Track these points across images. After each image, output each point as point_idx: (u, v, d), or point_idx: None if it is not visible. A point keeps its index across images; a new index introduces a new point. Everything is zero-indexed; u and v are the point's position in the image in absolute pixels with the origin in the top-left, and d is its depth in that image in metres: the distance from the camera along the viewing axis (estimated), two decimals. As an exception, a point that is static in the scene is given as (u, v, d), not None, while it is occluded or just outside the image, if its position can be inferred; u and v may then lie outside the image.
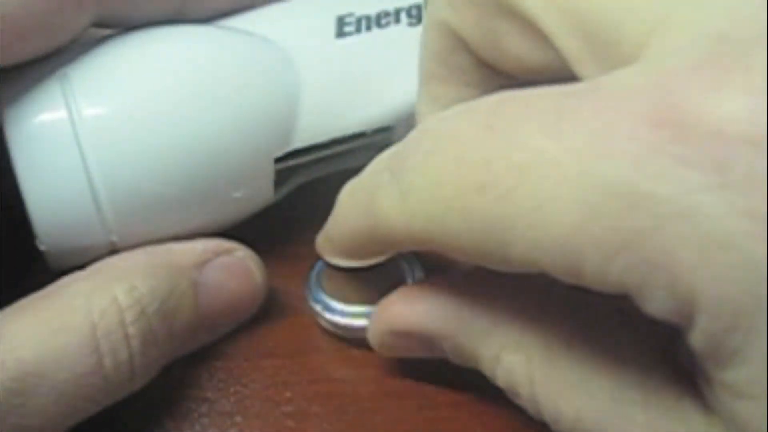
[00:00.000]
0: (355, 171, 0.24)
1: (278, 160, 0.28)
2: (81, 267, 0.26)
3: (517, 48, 0.23)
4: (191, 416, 0.26)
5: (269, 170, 0.28)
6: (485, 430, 0.26)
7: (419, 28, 0.30)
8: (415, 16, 0.31)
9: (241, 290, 0.27)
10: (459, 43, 0.25)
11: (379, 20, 0.31)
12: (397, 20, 0.31)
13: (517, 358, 0.22)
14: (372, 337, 0.26)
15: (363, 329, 0.26)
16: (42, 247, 0.26)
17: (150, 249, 0.26)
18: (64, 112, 0.25)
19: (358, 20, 0.30)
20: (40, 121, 0.25)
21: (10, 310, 0.23)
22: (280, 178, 0.29)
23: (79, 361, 0.22)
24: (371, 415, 0.27)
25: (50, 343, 0.22)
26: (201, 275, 0.26)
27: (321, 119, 0.29)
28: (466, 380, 0.25)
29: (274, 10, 0.30)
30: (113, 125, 0.25)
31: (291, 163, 0.29)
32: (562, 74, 0.21)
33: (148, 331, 0.24)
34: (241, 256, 0.27)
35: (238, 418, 0.26)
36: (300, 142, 0.28)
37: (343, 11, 0.30)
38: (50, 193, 0.25)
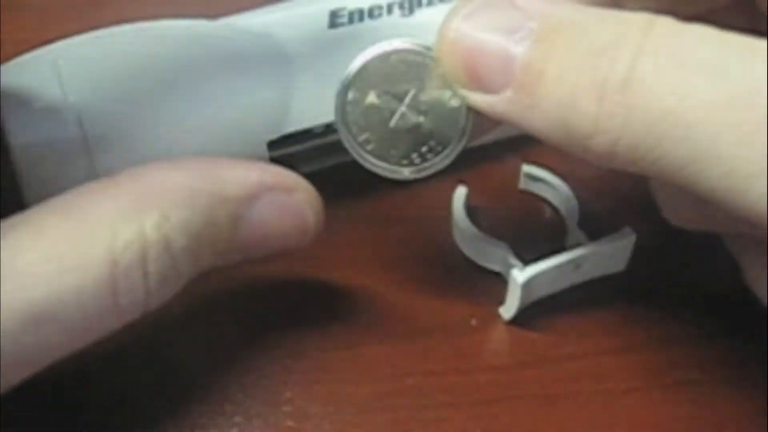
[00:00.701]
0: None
1: (273, 147, 0.29)
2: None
3: None
4: (191, 416, 0.26)
5: (263, 156, 0.29)
6: (485, 430, 0.26)
7: (411, 18, 0.31)
8: (407, 8, 0.32)
9: (287, 234, 0.25)
10: None
11: (371, 12, 0.32)
12: (390, 12, 0.32)
13: None
14: None
15: None
16: None
17: (197, 166, 0.23)
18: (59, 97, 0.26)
19: (351, 13, 0.31)
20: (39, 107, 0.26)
21: (25, 233, 0.21)
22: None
23: (94, 302, 0.21)
24: (371, 415, 0.26)
25: (65, 283, 0.20)
26: (246, 210, 0.23)
27: (313, 104, 0.29)
28: (466, 380, 0.25)
29: (271, 7, 0.32)
30: (108, 111, 0.26)
31: (286, 150, 0.30)
32: None
33: (169, 268, 0.22)
34: (298, 199, 0.24)
35: (238, 418, 0.26)
36: (293, 126, 0.29)
37: (336, 6, 0.31)
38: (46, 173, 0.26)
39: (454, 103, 0.23)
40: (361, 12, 0.31)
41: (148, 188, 0.22)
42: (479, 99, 0.22)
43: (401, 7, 0.32)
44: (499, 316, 0.28)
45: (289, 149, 0.30)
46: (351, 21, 0.31)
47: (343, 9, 0.31)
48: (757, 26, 0.21)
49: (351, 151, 0.24)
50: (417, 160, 0.24)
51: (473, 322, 0.28)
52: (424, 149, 0.24)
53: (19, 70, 0.26)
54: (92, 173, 0.26)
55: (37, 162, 0.26)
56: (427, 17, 0.32)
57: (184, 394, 0.27)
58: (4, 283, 0.20)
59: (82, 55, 0.27)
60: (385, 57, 0.23)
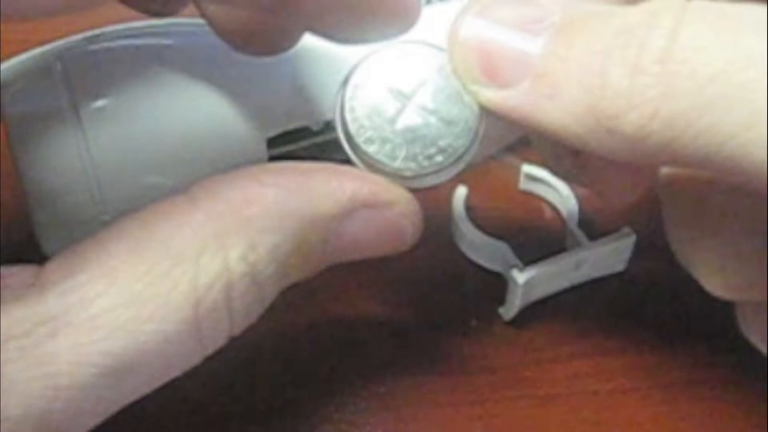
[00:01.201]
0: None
1: (272, 144, 0.29)
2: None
3: None
4: (191, 417, 0.26)
5: (262, 153, 0.29)
6: (485, 430, 0.26)
7: (427, 9, 0.31)
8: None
9: (380, 248, 0.23)
10: None
11: None
12: None
13: None
14: None
15: None
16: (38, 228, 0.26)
17: (285, 179, 0.21)
18: (64, 101, 0.26)
19: None
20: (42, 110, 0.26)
21: (97, 273, 0.19)
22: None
23: (176, 347, 0.19)
24: (371, 415, 0.26)
25: (146, 332, 0.18)
26: (339, 227, 0.21)
27: (313, 101, 0.29)
28: (466, 380, 0.25)
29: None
30: (107, 110, 0.26)
31: (285, 149, 0.30)
32: None
33: (255, 298, 0.20)
34: (397, 213, 0.22)
35: (239, 419, 0.26)
36: (292, 123, 0.29)
37: None
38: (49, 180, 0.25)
39: (466, 102, 0.21)
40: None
41: (232, 210, 0.20)
42: (492, 94, 0.20)
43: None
44: (499, 316, 0.28)
45: (289, 147, 0.30)
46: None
47: None
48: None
49: (350, 153, 0.22)
50: (424, 167, 0.22)
51: (473, 322, 0.28)
52: (431, 151, 0.22)
53: (19, 70, 0.26)
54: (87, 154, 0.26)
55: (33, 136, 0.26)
56: (429, 14, 0.32)
57: (184, 395, 0.26)
58: (79, 335, 0.18)
59: (82, 52, 0.27)
60: (390, 51, 0.22)
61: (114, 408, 0.19)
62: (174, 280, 0.19)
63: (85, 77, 0.26)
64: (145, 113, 0.26)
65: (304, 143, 0.30)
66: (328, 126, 0.29)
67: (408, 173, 0.22)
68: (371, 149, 0.22)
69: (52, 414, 0.17)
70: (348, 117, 0.22)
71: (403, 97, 0.22)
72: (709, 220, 0.22)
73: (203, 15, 0.24)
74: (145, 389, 0.19)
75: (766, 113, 0.16)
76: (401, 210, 0.22)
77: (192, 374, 0.27)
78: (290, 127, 0.29)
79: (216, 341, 0.20)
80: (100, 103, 0.26)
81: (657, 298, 0.29)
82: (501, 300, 0.28)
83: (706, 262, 0.23)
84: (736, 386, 0.27)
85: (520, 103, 0.20)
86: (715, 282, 0.23)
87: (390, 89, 0.22)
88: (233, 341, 0.28)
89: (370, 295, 0.29)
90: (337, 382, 0.27)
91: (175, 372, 0.20)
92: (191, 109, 0.27)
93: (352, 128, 0.22)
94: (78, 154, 0.25)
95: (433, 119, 0.22)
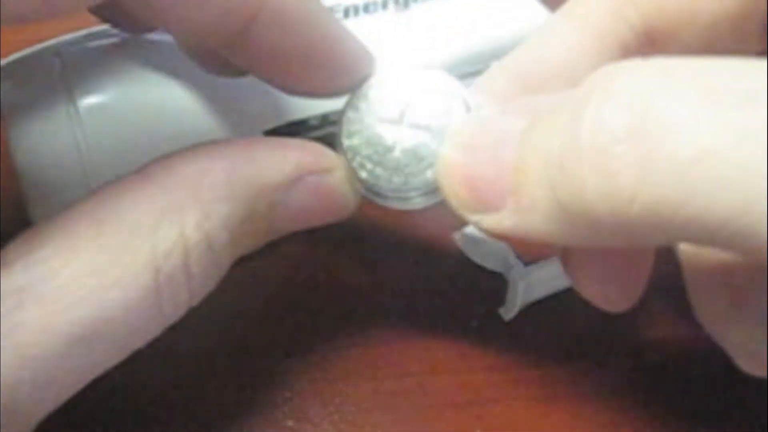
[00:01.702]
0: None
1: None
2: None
3: None
4: (191, 416, 0.26)
5: None
6: (485, 430, 0.26)
7: (406, 13, 0.31)
8: (402, 3, 0.32)
9: (325, 214, 0.23)
10: None
11: (366, 7, 0.31)
12: (385, 7, 0.32)
13: None
14: None
15: None
16: None
17: (233, 152, 0.22)
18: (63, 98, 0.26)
19: (346, 8, 0.31)
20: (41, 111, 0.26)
21: (61, 247, 0.19)
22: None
23: (139, 314, 0.19)
24: (371, 415, 0.26)
25: (110, 299, 0.19)
26: (284, 196, 0.22)
27: None
28: (466, 380, 0.25)
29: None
30: (105, 107, 0.26)
31: None
32: None
33: (212, 265, 0.21)
34: (338, 179, 0.23)
35: (239, 418, 0.26)
36: (289, 116, 0.29)
37: (332, 1, 0.31)
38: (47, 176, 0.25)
39: (458, 114, 0.22)
40: (356, 7, 0.31)
41: (185, 183, 0.21)
42: (491, 220, 0.20)
43: (396, 2, 0.32)
44: (499, 316, 0.28)
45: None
46: (346, 15, 0.31)
47: (338, 4, 0.31)
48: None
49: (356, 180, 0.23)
50: (425, 186, 0.22)
51: (473, 322, 0.28)
52: (429, 174, 0.22)
53: (18, 67, 0.26)
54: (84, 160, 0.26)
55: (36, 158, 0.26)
56: (422, 12, 0.32)
57: (184, 394, 0.27)
58: (45, 305, 0.18)
59: (80, 49, 0.27)
60: (381, 82, 0.23)
61: (82, 380, 0.19)
62: (134, 250, 0.19)
63: (83, 74, 0.26)
64: (142, 109, 0.26)
65: (301, 137, 0.30)
66: (326, 120, 0.29)
67: (415, 199, 0.22)
68: (365, 176, 0.22)
69: (21, 384, 0.18)
70: (347, 146, 0.23)
71: (396, 122, 0.22)
72: (737, 296, 0.21)
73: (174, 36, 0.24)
74: (112, 360, 0.20)
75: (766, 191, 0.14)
76: (341, 175, 0.23)
77: (191, 370, 0.27)
78: (287, 120, 0.29)
79: (177, 309, 0.21)
80: (98, 99, 0.26)
81: (657, 298, 0.29)
82: (501, 300, 0.28)
83: (738, 340, 0.22)
84: (737, 386, 0.27)
85: (513, 222, 0.19)
86: (748, 363, 0.22)
87: (381, 119, 0.22)
88: (233, 340, 0.28)
89: (370, 295, 0.29)
90: (336, 382, 0.27)
91: (139, 342, 0.20)
92: (188, 104, 0.27)
93: (349, 155, 0.23)
94: (76, 151, 0.25)
95: (427, 135, 0.22)
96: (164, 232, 0.20)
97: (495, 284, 0.29)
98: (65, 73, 0.26)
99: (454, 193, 0.21)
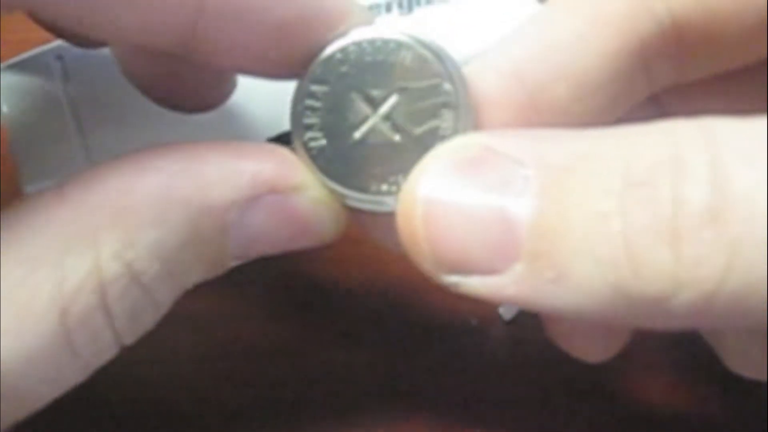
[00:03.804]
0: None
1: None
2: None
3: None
4: (191, 416, 0.26)
5: None
6: (485, 430, 0.26)
7: (410, 17, 0.31)
8: (406, 6, 0.32)
9: (293, 242, 0.19)
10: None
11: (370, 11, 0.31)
12: (389, 10, 0.32)
13: None
14: None
15: None
16: None
17: (171, 166, 0.17)
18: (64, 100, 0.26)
19: None
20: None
21: None
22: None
23: (46, 363, 0.16)
24: (371, 415, 0.26)
25: (7, 348, 0.16)
26: (239, 217, 0.18)
27: None
28: (465, 381, 0.25)
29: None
30: (106, 109, 0.26)
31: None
32: None
33: (141, 301, 0.17)
34: (308, 199, 0.18)
35: (238, 418, 0.26)
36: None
37: None
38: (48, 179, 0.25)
39: (444, 128, 0.18)
40: (360, 10, 0.31)
41: (106, 202, 0.17)
42: (478, 285, 0.16)
43: (400, 5, 0.32)
44: (499, 316, 0.28)
45: (290, 147, 0.30)
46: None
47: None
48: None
49: (306, 163, 0.19)
50: (389, 189, 0.18)
51: (473, 322, 0.28)
52: (397, 179, 0.18)
53: (19, 69, 0.26)
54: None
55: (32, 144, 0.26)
56: (427, 15, 0.32)
57: (184, 393, 0.27)
58: None
59: (81, 51, 0.27)
60: (362, 44, 0.19)
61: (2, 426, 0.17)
62: (33, 287, 0.16)
63: (84, 76, 0.26)
64: (143, 113, 0.26)
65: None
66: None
67: (381, 198, 0.19)
68: (321, 163, 0.19)
69: None
70: (303, 123, 0.19)
71: (370, 104, 0.19)
72: None
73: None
74: (19, 413, 0.17)
75: None
76: (315, 195, 0.19)
77: (197, 371, 0.27)
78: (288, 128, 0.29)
79: (100, 353, 0.17)
80: (98, 102, 0.26)
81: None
82: (501, 300, 0.28)
83: (730, 346, 0.21)
84: (738, 386, 0.26)
85: (520, 291, 0.16)
86: (740, 364, 0.21)
87: (357, 89, 0.19)
88: (233, 339, 0.28)
89: (369, 294, 0.29)
90: (335, 382, 0.27)
91: (58, 389, 0.17)
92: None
93: (305, 136, 0.19)
94: (78, 154, 0.26)
95: (399, 137, 0.19)
96: (74, 263, 0.16)
97: (495, 284, 0.29)
98: (66, 76, 0.26)
99: (427, 246, 0.16)
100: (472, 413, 0.26)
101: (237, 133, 0.28)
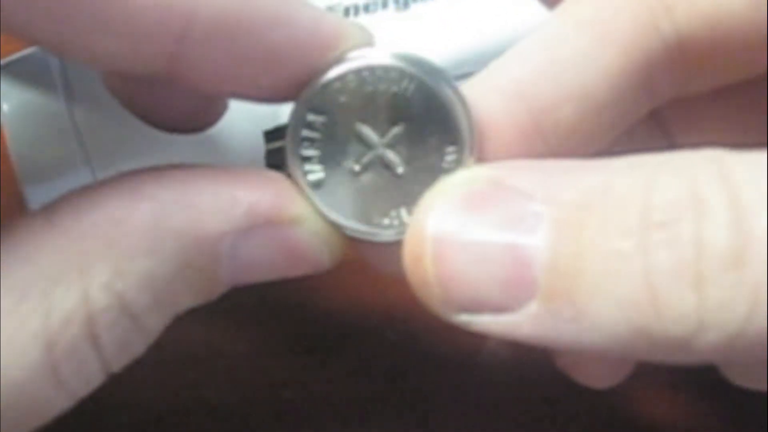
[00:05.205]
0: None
1: (270, 137, 0.29)
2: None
3: None
4: (191, 416, 0.26)
5: (259, 146, 0.29)
6: (486, 430, 0.26)
7: (406, 13, 0.32)
8: (402, 3, 0.32)
9: (290, 273, 0.19)
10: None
11: (366, 7, 0.32)
12: (385, 6, 0.32)
13: None
14: None
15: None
16: None
17: (164, 195, 0.17)
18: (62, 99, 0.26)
19: (346, 8, 0.31)
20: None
21: None
22: (273, 163, 0.29)
23: (31, 394, 0.16)
24: (370, 415, 0.26)
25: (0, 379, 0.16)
26: (234, 248, 0.18)
27: None
28: (465, 381, 0.25)
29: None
30: (104, 108, 0.26)
31: (282, 143, 0.30)
32: None
33: (131, 331, 0.17)
34: (306, 232, 0.18)
35: (239, 418, 0.26)
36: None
37: (332, 1, 0.31)
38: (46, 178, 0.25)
39: (449, 160, 0.18)
40: (356, 7, 0.31)
41: (95, 230, 0.17)
42: (491, 323, 0.16)
43: (396, 1, 0.32)
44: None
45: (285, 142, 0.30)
46: (347, 15, 0.31)
47: (338, 3, 0.31)
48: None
49: (304, 194, 0.18)
50: (391, 222, 0.18)
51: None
52: (401, 212, 0.18)
53: (18, 68, 0.26)
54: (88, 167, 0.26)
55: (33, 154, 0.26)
56: (423, 12, 0.32)
57: (184, 393, 0.27)
58: None
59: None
60: (362, 73, 0.18)
61: None
62: (20, 318, 0.16)
63: (82, 75, 0.26)
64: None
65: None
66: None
67: (380, 230, 0.18)
68: (321, 195, 0.19)
69: None
70: (300, 153, 0.19)
71: (371, 136, 0.18)
72: None
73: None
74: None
75: None
76: (311, 227, 0.18)
77: (201, 373, 0.27)
78: (285, 121, 0.29)
79: (87, 383, 0.17)
80: (96, 100, 0.26)
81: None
82: (501, 300, 0.28)
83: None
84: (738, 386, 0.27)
85: (535, 330, 0.16)
86: (737, 376, 0.22)
87: (357, 118, 0.18)
88: (232, 339, 0.28)
89: (369, 292, 0.29)
90: (335, 382, 0.27)
91: (43, 419, 0.17)
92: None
93: (303, 166, 0.19)
94: (75, 152, 0.25)
95: (402, 169, 0.18)
96: (62, 295, 0.16)
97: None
98: (65, 73, 0.26)
99: (438, 286, 0.16)
100: (472, 413, 0.26)
101: (234, 126, 0.28)
